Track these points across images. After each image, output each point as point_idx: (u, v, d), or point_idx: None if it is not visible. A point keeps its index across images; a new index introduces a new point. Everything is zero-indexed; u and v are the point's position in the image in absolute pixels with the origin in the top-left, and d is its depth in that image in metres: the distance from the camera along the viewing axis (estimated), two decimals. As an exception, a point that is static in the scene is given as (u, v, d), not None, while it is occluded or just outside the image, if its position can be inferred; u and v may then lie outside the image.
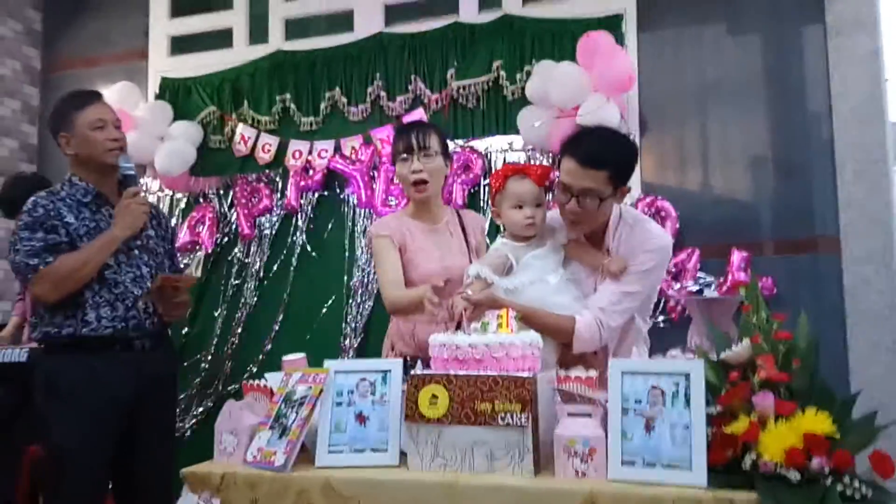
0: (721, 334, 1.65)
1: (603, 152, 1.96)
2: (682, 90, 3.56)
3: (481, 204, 3.61)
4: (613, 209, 2.06)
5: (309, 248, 3.98)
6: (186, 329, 4.07)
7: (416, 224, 2.42)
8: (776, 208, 3.41)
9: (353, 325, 3.81)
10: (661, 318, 3.32)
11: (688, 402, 1.47)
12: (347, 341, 3.79)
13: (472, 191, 3.70)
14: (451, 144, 2.94)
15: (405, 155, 2.36)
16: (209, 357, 4.03)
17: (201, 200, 4.18)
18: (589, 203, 1.95)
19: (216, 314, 4.06)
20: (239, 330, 4.02)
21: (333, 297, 3.88)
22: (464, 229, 2.50)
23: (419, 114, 3.74)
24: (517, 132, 3.57)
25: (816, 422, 1.38)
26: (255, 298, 4.02)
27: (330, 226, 3.96)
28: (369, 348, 3.73)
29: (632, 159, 2.03)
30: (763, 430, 1.40)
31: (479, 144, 3.70)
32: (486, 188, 3.55)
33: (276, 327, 3.96)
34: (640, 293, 2.04)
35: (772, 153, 3.46)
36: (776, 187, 3.43)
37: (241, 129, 4.05)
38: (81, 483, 2.21)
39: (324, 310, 3.89)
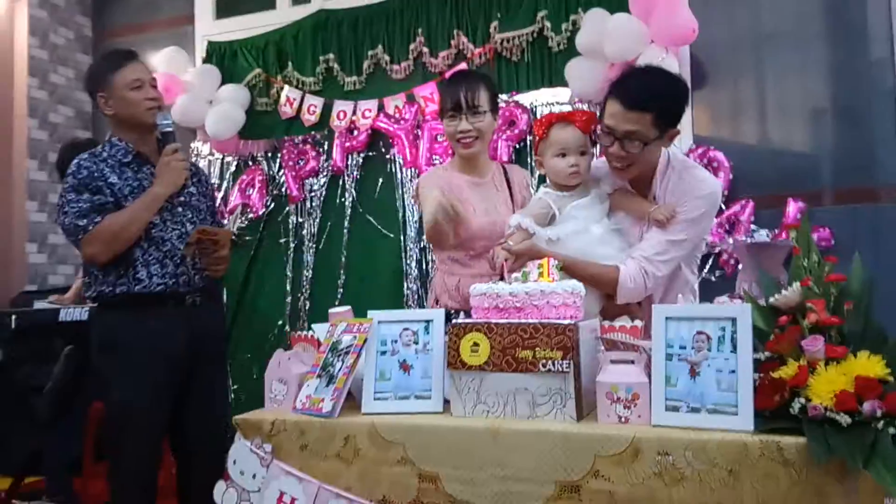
0: (770, 278, 1.61)
1: (648, 94, 1.89)
2: (736, 37, 3.42)
3: (527, 160, 3.56)
4: (662, 154, 2.01)
5: (360, 209, 4.00)
6: (240, 292, 4.14)
7: (461, 177, 2.41)
8: (834, 158, 3.27)
9: (415, 285, 3.80)
10: (713, 272, 3.25)
11: (734, 346, 1.44)
12: (412, 301, 3.78)
13: (517, 146, 3.65)
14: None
15: (453, 113, 2.33)
16: (280, 320, 4.09)
17: (250, 164, 4.24)
18: (632, 146, 1.90)
19: (278, 277, 4.11)
20: (307, 292, 4.06)
21: (392, 258, 3.88)
22: (509, 184, 2.48)
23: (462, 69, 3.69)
24: (563, 84, 3.50)
25: (868, 365, 1.34)
26: (314, 260, 4.06)
27: (378, 186, 3.97)
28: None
29: (680, 100, 1.95)
30: (812, 375, 1.37)
31: (524, 98, 3.63)
32: (532, 143, 3.49)
33: (341, 290, 3.97)
34: (687, 241, 1.99)
35: (830, 101, 3.31)
36: (835, 136, 3.29)
37: (287, 91, 4.07)
38: (140, 438, 2.28)
39: (383, 270, 3.89)
